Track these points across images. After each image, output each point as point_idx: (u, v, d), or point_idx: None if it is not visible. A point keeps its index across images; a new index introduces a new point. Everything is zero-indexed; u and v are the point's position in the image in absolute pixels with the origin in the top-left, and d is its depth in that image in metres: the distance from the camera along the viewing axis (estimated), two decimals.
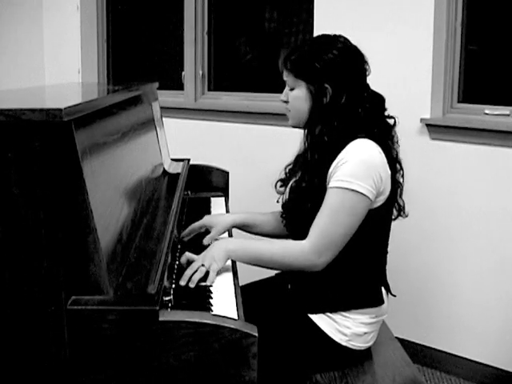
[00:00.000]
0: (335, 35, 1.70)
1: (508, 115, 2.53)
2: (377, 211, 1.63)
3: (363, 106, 1.67)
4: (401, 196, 1.75)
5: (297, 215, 1.69)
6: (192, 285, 1.51)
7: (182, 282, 1.51)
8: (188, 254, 1.63)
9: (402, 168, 1.75)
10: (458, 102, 2.67)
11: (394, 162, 1.71)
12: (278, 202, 1.84)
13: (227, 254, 1.61)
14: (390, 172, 1.65)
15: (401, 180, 1.75)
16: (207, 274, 1.55)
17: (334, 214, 1.57)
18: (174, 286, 1.50)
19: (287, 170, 1.85)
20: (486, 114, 2.57)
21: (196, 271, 1.54)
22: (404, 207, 1.76)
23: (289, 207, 1.74)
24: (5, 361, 1.17)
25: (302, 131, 1.81)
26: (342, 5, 2.81)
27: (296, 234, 1.69)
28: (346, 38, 1.70)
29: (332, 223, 1.57)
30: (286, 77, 1.72)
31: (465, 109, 2.64)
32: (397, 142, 1.74)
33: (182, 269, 1.58)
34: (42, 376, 1.16)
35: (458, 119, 2.60)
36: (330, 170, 1.60)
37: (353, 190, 1.55)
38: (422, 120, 2.64)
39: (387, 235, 1.73)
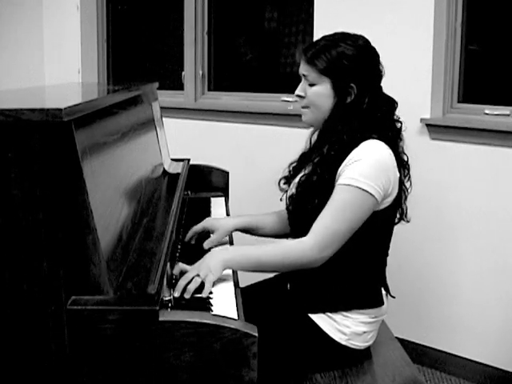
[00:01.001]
0: (356, 34, 1.70)
1: (508, 115, 2.53)
2: (382, 213, 1.63)
3: (381, 108, 1.68)
4: (405, 201, 1.75)
5: (303, 210, 1.68)
6: (187, 295, 1.45)
7: (176, 293, 1.45)
8: (181, 265, 1.57)
9: (409, 173, 1.75)
10: (458, 102, 2.67)
11: (403, 165, 1.72)
12: (281, 200, 1.83)
13: (224, 264, 1.55)
14: (398, 174, 1.65)
15: (407, 185, 1.75)
16: (202, 284, 1.48)
17: (339, 210, 1.56)
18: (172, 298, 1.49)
19: (291, 168, 1.84)
20: (486, 114, 2.57)
21: (190, 281, 1.48)
22: (406, 212, 1.76)
23: (296, 201, 1.72)
24: (5, 361, 1.17)
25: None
26: (341, 5, 2.81)
27: (299, 228, 1.69)
28: (367, 39, 1.70)
29: (336, 220, 1.56)
30: (307, 71, 1.68)
31: (465, 109, 2.64)
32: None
33: (177, 278, 1.52)
34: (42, 376, 1.16)
35: (458, 119, 2.60)
36: (340, 168, 1.60)
37: (360, 189, 1.55)
38: (422, 120, 2.64)
39: (389, 237, 1.73)
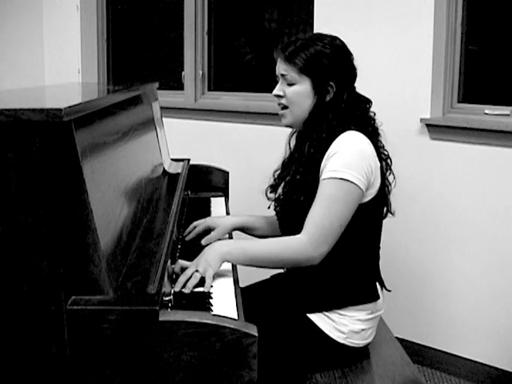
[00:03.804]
0: (331, 35, 1.72)
1: (508, 115, 2.53)
2: (367, 205, 1.63)
3: (359, 106, 1.70)
4: (389, 194, 1.76)
5: (290, 209, 1.70)
6: (187, 291, 1.47)
7: (176, 289, 1.47)
8: (181, 262, 1.59)
9: (391, 168, 1.76)
10: (458, 102, 2.67)
11: (385, 160, 1.73)
12: (269, 208, 1.84)
13: (222, 257, 1.57)
14: (379, 164, 1.66)
15: (390, 179, 1.76)
16: (202, 279, 1.51)
17: (327, 204, 1.57)
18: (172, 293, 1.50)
19: (276, 176, 1.85)
20: (486, 113, 2.57)
21: (190, 277, 1.50)
22: (391, 205, 1.77)
23: (283, 201, 1.75)
24: (5, 361, 1.17)
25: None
26: (341, 5, 2.81)
27: (288, 229, 1.70)
28: (342, 40, 1.72)
29: (326, 214, 1.57)
30: (286, 71, 1.69)
31: (465, 109, 2.64)
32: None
33: (179, 275, 1.54)
34: (42, 376, 1.16)
35: (458, 119, 2.60)
36: (323, 163, 1.61)
37: (345, 180, 1.56)
38: (421, 120, 2.64)
39: (379, 230, 1.74)
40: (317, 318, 1.65)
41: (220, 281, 1.57)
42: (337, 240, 1.59)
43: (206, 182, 2.53)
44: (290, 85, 1.69)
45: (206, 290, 1.49)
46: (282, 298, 1.75)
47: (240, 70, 3.70)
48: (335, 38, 1.71)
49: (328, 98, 1.67)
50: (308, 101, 1.68)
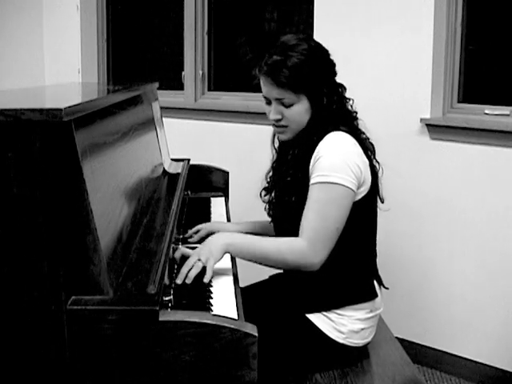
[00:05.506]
0: (303, 37, 1.68)
1: (508, 115, 2.53)
2: (360, 203, 1.63)
3: (341, 96, 1.70)
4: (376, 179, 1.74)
5: (283, 211, 1.70)
6: (188, 281, 1.48)
7: (178, 281, 1.49)
8: (183, 249, 1.61)
9: (374, 154, 1.74)
10: (458, 102, 2.67)
11: (371, 151, 1.72)
12: (265, 209, 1.84)
13: (224, 248, 1.58)
14: (368, 162, 1.66)
15: (378, 169, 1.74)
16: (204, 269, 1.52)
17: (321, 209, 1.57)
18: (173, 285, 1.50)
19: (268, 179, 1.85)
20: (486, 113, 2.57)
21: (192, 267, 1.52)
22: (381, 193, 1.75)
23: (275, 204, 1.76)
24: (5, 361, 1.17)
25: None
26: (341, 5, 2.81)
27: (283, 232, 1.70)
28: (314, 39, 1.71)
29: (321, 218, 1.57)
30: (281, 95, 1.64)
31: (465, 109, 2.64)
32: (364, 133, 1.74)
33: (181, 266, 1.56)
34: (42, 376, 1.16)
35: (458, 119, 2.60)
36: (311, 164, 1.62)
37: (334, 183, 1.56)
38: (421, 120, 2.64)
39: (374, 227, 1.74)
40: (316, 319, 1.65)
41: (220, 280, 1.57)
42: (334, 243, 1.59)
43: (206, 182, 2.53)
44: (288, 106, 1.66)
45: (206, 281, 1.50)
46: (280, 299, 1.75)
47: (240, 70, 3.70)
48: (310, 40, 1.67)
49: (323, 103, 1.66)
50: (308, 114, 1.67)
